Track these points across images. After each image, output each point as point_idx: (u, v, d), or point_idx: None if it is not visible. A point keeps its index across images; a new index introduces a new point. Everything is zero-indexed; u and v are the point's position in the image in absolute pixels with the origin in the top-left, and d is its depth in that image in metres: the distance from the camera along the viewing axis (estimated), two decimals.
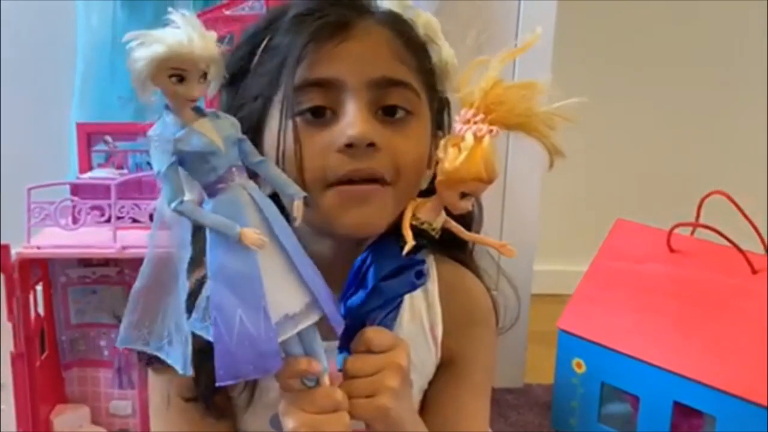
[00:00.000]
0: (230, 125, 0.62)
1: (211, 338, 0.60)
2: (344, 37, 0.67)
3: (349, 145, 0.65)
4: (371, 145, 0.66)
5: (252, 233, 0.60)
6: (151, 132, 0.59)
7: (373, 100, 0.68)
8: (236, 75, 0.72)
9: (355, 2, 0.70)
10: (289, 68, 0.67)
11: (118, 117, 1.28)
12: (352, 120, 0.66)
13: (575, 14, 1.71)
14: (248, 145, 0.64)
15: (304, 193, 0.65)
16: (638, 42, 2.00)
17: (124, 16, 1.28)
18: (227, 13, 1.20)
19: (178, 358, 0.61)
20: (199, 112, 0.61)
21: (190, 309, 0.62)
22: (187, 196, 0.60)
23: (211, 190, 0.61)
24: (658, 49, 2.01)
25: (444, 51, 0.72)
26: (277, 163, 0.67)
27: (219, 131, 0.61)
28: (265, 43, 0.71)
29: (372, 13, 0.70)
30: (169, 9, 0.59)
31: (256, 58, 0.71)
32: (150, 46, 0.56)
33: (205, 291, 0.62)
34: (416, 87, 0.70)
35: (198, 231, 0.63)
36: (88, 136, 1.22)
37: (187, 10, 0.63)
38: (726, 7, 1.99)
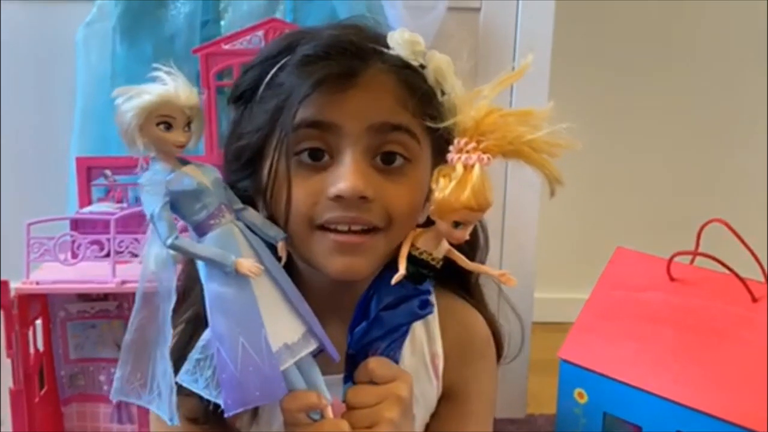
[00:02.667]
0: (214, 171, 0.66)
1: (201, 391, 0.62)
2: (348, 87, 0.67)
3: (340, 197, 0.66)
4: (363, 198, 0.66)
5: (247, 262, 0.62)
6: (141, 179, 0.63)
7: (372, 145, 0.68)
8: (245, 94, 0.72)
9: (364, 48, 0.70)
10: (290, 113, 0.67)
11: (118, 151, 1.29)
12: (346, 172, 0.66)
13: (573, 40, 1.72)
14: (230, 192, 0.67)
15: (284, 234, 0.67)
16: (638, 68, 2.01)
17: (123, 51, 1.29)
18: (226, 47, 1.21)
19: (165, 409, 0.63)
20: (184, 162, 0.64)
21: (178, 358, 0.63)
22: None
23: (203, 229, 0.63)
24: (658, 75, 2.01)
25: (455, 92, 0.70)
26: (270, 198, 0.68)
27: (206, 174, 0.63)
28: (271, 75, 0.71)
29: (380, 59, 0.70)
30: (155, 65, 0.61)
31: (261, 88, 0.71)
32: (139, 97, 0.61)
33: (201, 341, 0.63)
34: (417, 132, 0.70)
35: (185, 271, 0.64)
36: (88, 171, 1.22)
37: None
38: (725, 36, 2.01)
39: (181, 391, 0.62)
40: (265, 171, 0.69)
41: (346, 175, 0.66)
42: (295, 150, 0.68)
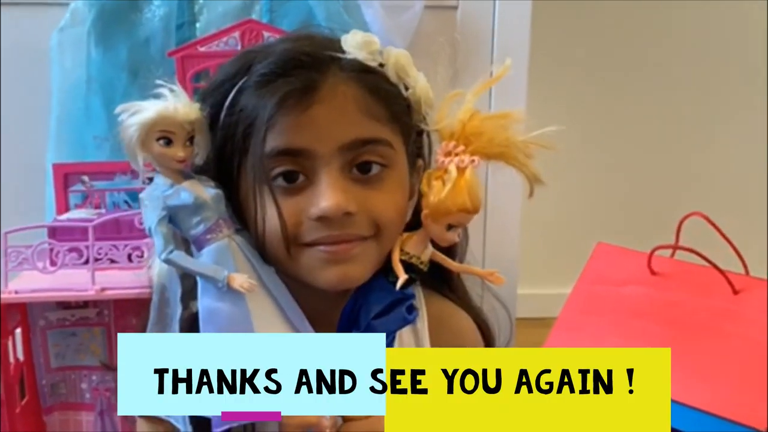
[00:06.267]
0: (215, 186, 0.67)
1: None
2: (310, 102, 0.66)
3: (323, 217, 0.65)
4: (347, 213, 0.66)
5: (239, 276, 0.62)
6: (142, 194, 0.65)
7: (346, 161, 0.68)
8: (214, 114, 0.72)
9: (319, 57, 0.69)
10: (258, 140, 0.66)
11: (94, 157, 1.28)
12: (325, 190, 0.66)
13: (551, 36, 1.73)
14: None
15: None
16: (615, 64, 2.03)
17: (98, 56, 1.28)
18: (202, 49, 1.20)
19: (179, 418, 0.64)
20: (187, 176, 0.66)
21: None
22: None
23: (201, 243, 0.64)
24: (635, 70, 2.03)
25: (418, 85, 0.71)
26: (254, 224, 0.68)
27: (205, 189, 0.64)
28: (230, 99, 0.70)
29: (338, 66, 0.68)
30: (158, 81, 0.63)
31: (222, 114, 0.70)
32: (140, 113, 0.62)
33: None
34: (390, 139, 0.69)
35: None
36: (65, 177, 1.21)
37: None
38: (703, 30, 2.02)
39: None
40: (241, 196, 0.69)
41: (326, 194, 0.66)
42: (269, 176, 0.67)
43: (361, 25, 1.28)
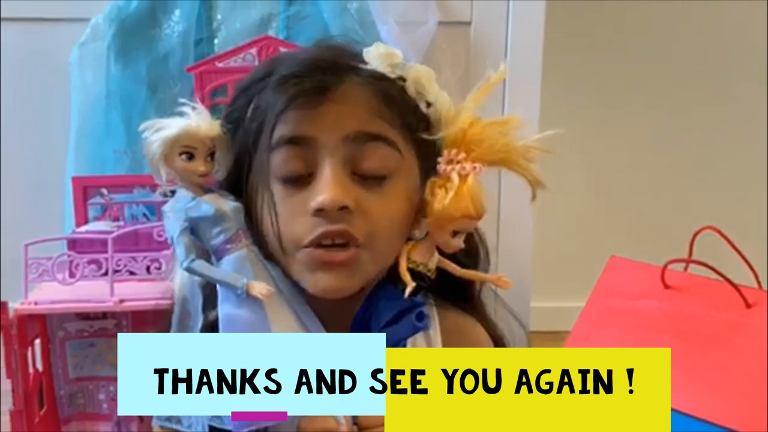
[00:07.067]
0: (234, 199, 0.69)
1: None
2: (321, 100, 0.68)
3: (321, 210, 0.66)
4: (344, 208, 0.66)
5: (258, 284, 0.64)
6: (165, 206, 0.68)
7: (350, 157, 0.68)
8: (236, 122, 0.73)
9: (338, 64, 0.71)
10: (267, 131, 0.68)
11: (113, 170, 1.30)
12: (325, 184, 0.67)
13: (563, 51, 1.73)
14: None
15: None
16: (631, 75, 2.02)
17: (117, 71, 1.30)
18: (220, 65, 1.22)
19: (198, 427, 0.67)
20: (207, 190, 0.69)
21: None
22: None
23: (221, 252, 0.66)
24: (651, 82, 2.02)
25: (439, 102, 0.72)
26: (256, 223, 0.69)
27: (225, 201, 0.66)
28: (252, 102, 0.72)
29: (355, 74, 0.70)
30: (181, 101, 0.64)
31: (248, 113, 0.72)
32: (163, 130, 0.65)
33: None
34: (396, 142, 0.70)
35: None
36: (84, 190, 1.23)
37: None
38: (721, 42, 2.02)
39: None
40: (248, 193, 0.70)
41: (325, 188, 0.67)
42: (275, 170, 0.68)
43: (376, 41, 1.29)
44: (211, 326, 0.67)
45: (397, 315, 0.69)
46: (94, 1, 1.34)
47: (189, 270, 0.65)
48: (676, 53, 2.02)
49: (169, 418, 0.68)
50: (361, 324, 0.70)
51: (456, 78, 1.35)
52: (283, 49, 1.21)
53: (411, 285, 0.68)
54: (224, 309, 0.65)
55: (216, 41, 1.32)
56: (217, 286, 0.66)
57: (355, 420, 0.67)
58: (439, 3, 1.38)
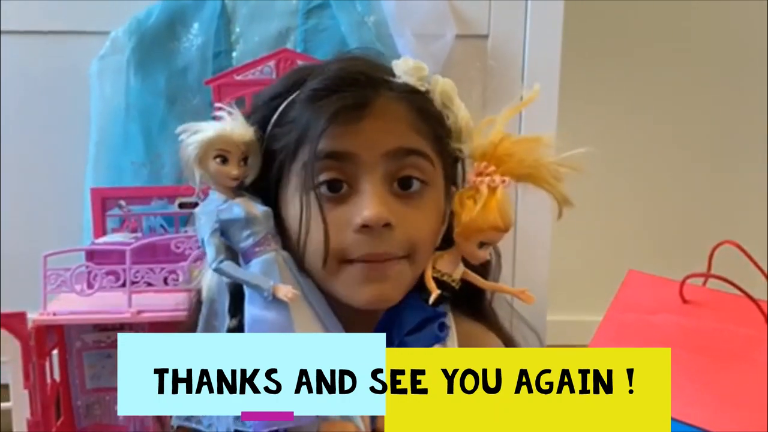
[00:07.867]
0: (263, 203, 0.70)
1: None
2: (361, 116, 0.69)
3: (365, 226, 0.67)
4: (387, 224, 0.67)
5: (284, 287, 0.66)
6: (197, 209, 0.69)
7: (389, 172, 0.69)
8: (258, 137, 0.74)
9: (373, 77, 0.71)
10: (311, 148, 0.68)
11: (132, 182, 1.31)
12: (368, 200, 0.67)
13: (581, 65, 1.73)
14: None
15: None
16: (647, 90, 2.01)
17: (136, 84, 1.31)
18: (238, 78, 1.23)
19: (222, 428, 0.66)
20: (239, 193, 0.70)
21: None
22: None
23: (249, 255, 0.68)
24: (667, 97, 2.01)
25: (460, 114, 0.73)
26: (298, 235, 0.69)
27: (256, 205, 0.69)
28: (280, 111, 0.72)
29: (388, 87, 0.71)
30: (217, 104, 0.66)
31: (270, 125, 0.72)
32: (199, 133, 0.67)
33: None
34: (431, 155, 0.71)
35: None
36: (103, 201, 1.24)
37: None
38: (735, 59, 2.01)
39: None
40: (290, 208, 0.70)
41: (369, 203, 0.67)
42: (314, 183, 0.69)
43: (394, 55, 1.30)
44: (236, 328, 0.68)
45: (419, 324, 0.70)
46: (114, 14, 1.36)
47: (218, 270, 0.66)
48: (698, 68, 2.01)
49: (188, 418, 0.68)
50: (384, 331, 0.70)
51: (474, 91, 1.36)
52: (300, 63, 1.22)
53: (436, 292, 0.69)
54: (251, 311, 0.66)
55: (234, 54, 1.33)
56: (245, 288, 0.67)
57: (373, 424, 0.67)
58: (456, 16, 1.38)
